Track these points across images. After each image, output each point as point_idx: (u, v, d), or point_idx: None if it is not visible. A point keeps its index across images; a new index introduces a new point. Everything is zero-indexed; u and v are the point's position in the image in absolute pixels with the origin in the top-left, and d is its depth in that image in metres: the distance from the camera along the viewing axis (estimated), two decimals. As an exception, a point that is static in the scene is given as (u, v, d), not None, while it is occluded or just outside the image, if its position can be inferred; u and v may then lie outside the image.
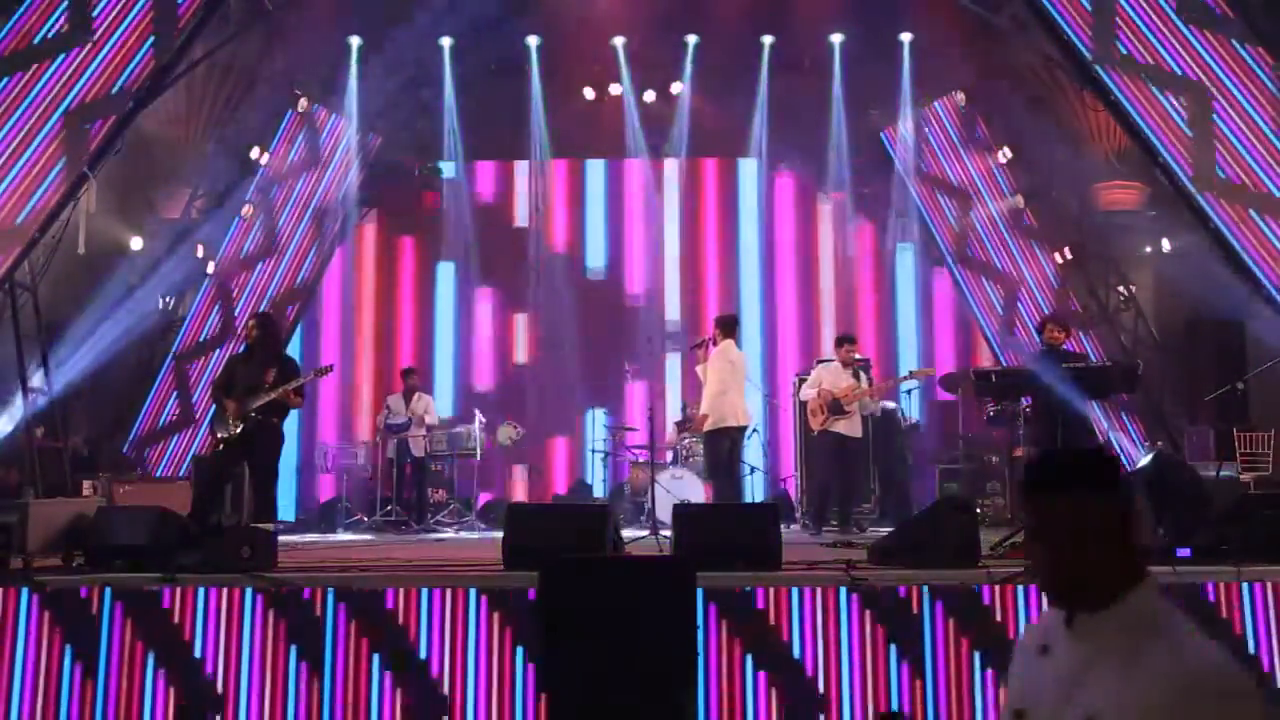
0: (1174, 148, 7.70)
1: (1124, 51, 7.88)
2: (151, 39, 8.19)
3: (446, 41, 11.41)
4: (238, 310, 11.73)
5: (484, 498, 11.73)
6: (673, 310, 12.67)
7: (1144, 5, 7.90)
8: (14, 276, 8.04)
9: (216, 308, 11.70)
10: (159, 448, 11.26)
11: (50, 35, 7.92)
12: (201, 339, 11.61)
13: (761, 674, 4.67)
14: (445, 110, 12.03)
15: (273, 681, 4.74)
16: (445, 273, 12.93)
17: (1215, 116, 7.64)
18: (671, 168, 12.84)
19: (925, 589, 4.72)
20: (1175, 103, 7.75)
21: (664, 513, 8.26)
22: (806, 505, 9.85)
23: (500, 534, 5.64)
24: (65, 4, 8.00)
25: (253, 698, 4.74)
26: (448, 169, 12.58)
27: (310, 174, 12.20)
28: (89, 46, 7.95)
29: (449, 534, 9.73)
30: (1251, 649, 4.67)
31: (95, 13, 8.06)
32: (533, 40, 11.49)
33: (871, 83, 11.67)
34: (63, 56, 7.91)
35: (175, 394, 11.40)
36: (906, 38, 11.21)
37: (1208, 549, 5.27)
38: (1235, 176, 7.56)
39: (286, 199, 12.06)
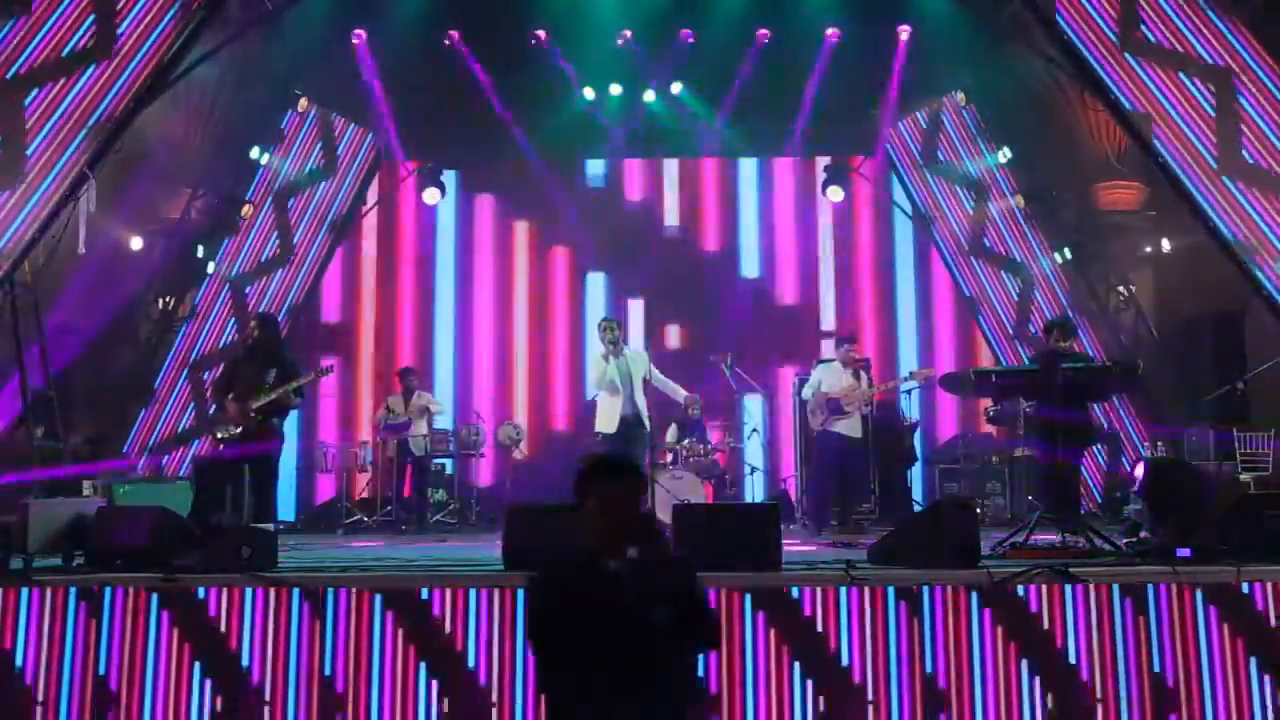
0: (1200, 132, 7.68)
1: (1151, 39, 7.86)
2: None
3: (447, 41, 11.39)
4: (236, 311, 11.73)
5: (484, 498, 11.73)
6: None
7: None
8: (14, 276, 8.03)
9: (216, 308, 11.69)
10: (159, 448, 11.26)
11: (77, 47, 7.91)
12: (201, 339, 11.60)
13: (761, 674, 4.67)
14: (445, 110, 12.02)
15: (273, 682, 4.75)
16: (444, 272, 12.94)
17: (1241, 99, 7.62)
18: (671, 167, 12.85)
19: (924, 589, 4.72)
20: (1201, 88, 7.74)
21: (664, 513, 8.26)
22: (806, 505, 9.85)
23: (500, 534, 5.64)
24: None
25: (252, 698, 4.74)
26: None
27: (310, 173, 12.19)
28: (116, 59, 7.93)
29: (449, 534, 9.72)
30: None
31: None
32: (535, 38, 11.46)
33: (871, 82, 11.67)
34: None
35: (175, 394, 11.39)
36: (905, 36, 11.20)
37: (1208, 549, 5.27)
38: (1261, 160, 7.54)
39: (286, 199, 12.05)
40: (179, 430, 11.34)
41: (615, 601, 2.87)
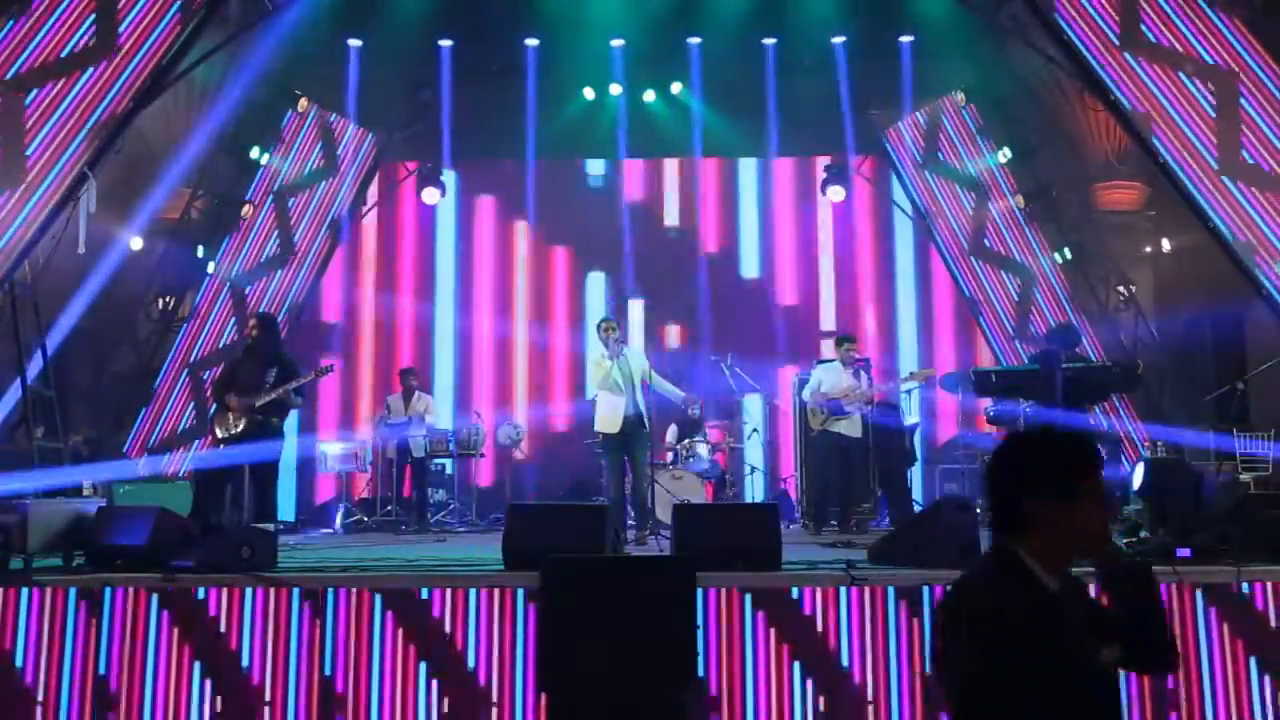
0: (1200, 133, 7.67)
1: (1151, 38, 7.84)
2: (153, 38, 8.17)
3: (447, 42, 11.39)
4: (236, 310, 11.73)
5: (484, 498, 11.72)
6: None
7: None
8: (14, 276, 8.03)
9: (216, 308, 11.69)
10: (159, 447, 11.26)
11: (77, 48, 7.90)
12: (201, 339, 11.60)
13: (761, 674, 4.67)
14: (445, 110, 12.03)
15: (273, 682, 4.75)
16: (445, 271, 12.95)
17: (1243, 100, 7.60)
18: (671, 168, 12.85)
19: (925, 589, 4.72)
20: (1202, 88, 7.73)
21: (664, 513, 8.27)
22: (806, 505, 9.84)
23: (500, 534, 5.64)
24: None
25: (253, 698, 4.74)
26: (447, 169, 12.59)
27: (310, 174, 12.19)
28: (117, 58, 7.92)
29: (449, 534, 9.72)
30: (1251, 649, 4.67)
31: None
32: (532, 41, 11.47)
33: (872, 83, 11.67)
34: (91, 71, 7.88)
35: (175, 394, 11.39)
36: (907, 39, 11.21)
37: (1208, 549, 5.27)
38: (1263, 162, 7.53)
39: (286, 199, 12.05)
40: (179, 430, 11.34)
41: (1054, 635, 2.11)
